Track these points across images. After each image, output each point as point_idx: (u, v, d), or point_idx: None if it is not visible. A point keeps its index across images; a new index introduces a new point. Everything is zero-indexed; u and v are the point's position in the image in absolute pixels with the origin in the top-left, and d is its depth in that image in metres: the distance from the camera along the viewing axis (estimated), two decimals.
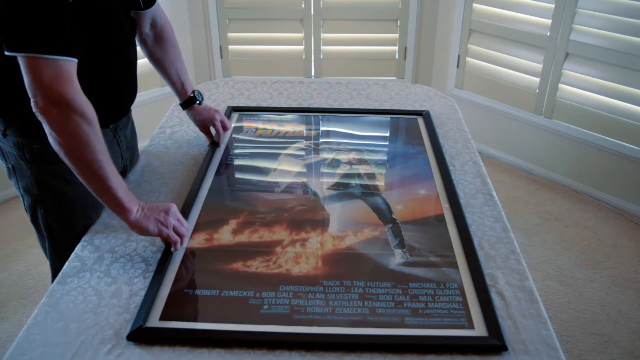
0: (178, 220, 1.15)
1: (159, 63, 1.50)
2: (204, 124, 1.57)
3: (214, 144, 1.55)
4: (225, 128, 1.59)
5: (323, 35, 3.12)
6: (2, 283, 2.16)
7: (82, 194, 1.14)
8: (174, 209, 1.16)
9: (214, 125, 1.56)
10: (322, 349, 0.92)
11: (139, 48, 1.42)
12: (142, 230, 1.11)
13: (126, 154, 1.41)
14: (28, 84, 0.99)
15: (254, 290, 1.04)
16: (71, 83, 1.01)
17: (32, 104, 1.00)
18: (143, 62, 3.27)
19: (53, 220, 1.25)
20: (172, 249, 1.12)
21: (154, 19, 1.42)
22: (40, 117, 1.01)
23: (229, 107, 1.79)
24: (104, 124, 1.14)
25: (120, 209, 1.10)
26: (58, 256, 1.26)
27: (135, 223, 1.11)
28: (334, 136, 1.64)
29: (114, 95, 1.29)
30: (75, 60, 1.03)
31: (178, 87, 1.53)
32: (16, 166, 1.23)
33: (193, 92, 1.55)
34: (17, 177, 1.25)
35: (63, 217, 1.25)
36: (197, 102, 1.55)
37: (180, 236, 1.14)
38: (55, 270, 1.27)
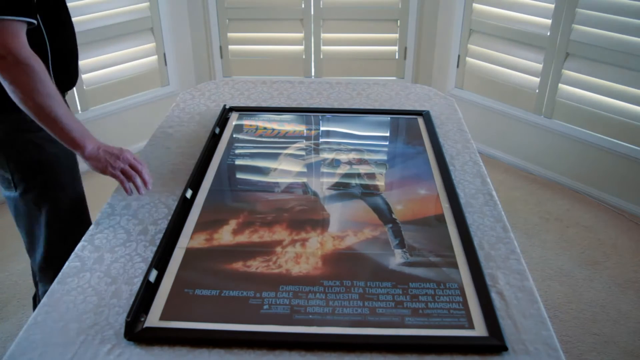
0: (131, 164, 1.25)
1: None
2: None
3: None
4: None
5: (323, 35, 3.12)
6: (2, 283, 2.16)
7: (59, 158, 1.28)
8: (127, 154, 1.26)
9: None
10: (322, 349, 0.92)
11: None
12: (94, 167, 1.24)
13: None
14: None
15: (254, 290, 1.04)
16: (18, 38, 1.12)
17: None
18: (143, 62, 3.26)
19: (45, 194, 1.34)
20: (129, 191, 1.26)
21: None
22: None
23: (229, 107, 1.79)
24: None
25: (75, 145, 1.22)
26: (56, 234, 1.35)
27: (89, 158, 1.22)
28: (334, 136, 1.64)
29: (64, 64, 1.38)
30: (26, 19, 1.13)
31: None
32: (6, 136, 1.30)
33: None
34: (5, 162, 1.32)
35: (56, 184, 1.36)
36: None
37: (141, 177, 1.27)
38: (50, 259, 1.29)
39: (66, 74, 1.39)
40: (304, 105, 1.84)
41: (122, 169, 1.24)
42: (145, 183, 1.28)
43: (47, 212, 1.39)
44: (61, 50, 1.35)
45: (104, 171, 1.24)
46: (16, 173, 1.34)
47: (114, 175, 1.24)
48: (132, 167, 1.26)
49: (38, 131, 1.25)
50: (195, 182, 1.38)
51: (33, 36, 1.18)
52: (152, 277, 1.05)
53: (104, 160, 1.23)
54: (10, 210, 1.44)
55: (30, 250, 1.47)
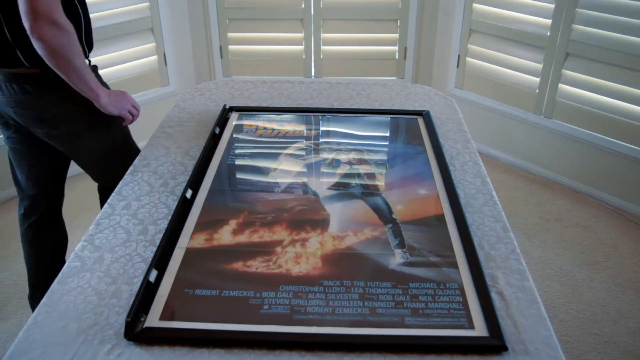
0: (133, 104, 1.62)
1: None
2: None
3: None
4: None
5: (323, 35, 3.12)
6: (2, 283, 2.16)
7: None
8: (128, 96, 1.61)
9: None
10: (322, 349, 0.92)
11: None
12: (109, 111, 1.54)
13: None
14: (25, 11, 1.27)
15: (254, 290, 1.04)
16: (59, 8, 1.32)
17: (28, 28, 1.29)
18: (143, 62, 3.26)
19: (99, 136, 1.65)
20: (124, 122, 1.63)
21: None
22: (35, 40, 1.31)
23: (228, 107, 1.79)
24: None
25: (95, 95, 1.48)
26: (117, 161, 1.64)
27: (105, 105, 1.52)
28: (334, 136, 1.65)
29: (88, 33, 1.59)
30: None
31: None
32: (60, 113, 1.56)
33: None
34: (63, 127, 1.58)
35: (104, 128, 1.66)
36: None
37: (134, 114, 1.63)
38: (113, 181, 1.47)
39: (88, 42, 1.59)
40: (304, 105, 1.84)
41: (128, 110, 1.61)
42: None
43: (110, 153, 1.70)
44: (87, 21, 1.56)
45: (119, 113, 1.57)
46: (87, 127, 1.61)
47: (124, 115, 1.60)
48: (133, 105, 1.63)
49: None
50: (195, 182, 1.38)
51: (66, 7, 1.38)
52: (152, 277, 1.05)
53: (120, 104, 1.56)
54: (78, 161, 1.71)
55: (99, 178, 1.78)
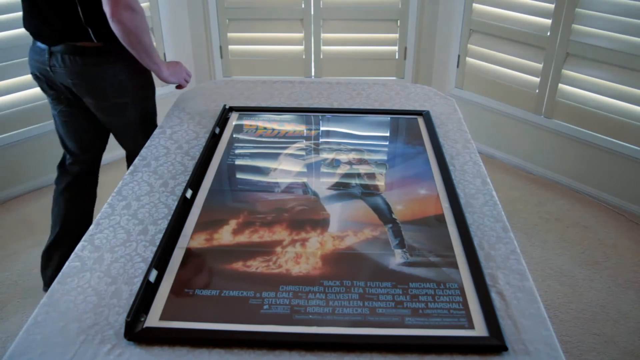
0: (186, 72, 1.89)
1: None
2: None
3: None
4: None
5: (323, 35, 3.12)
6: (2, 283, 2.16)
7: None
8: (182, 65, 1.88)
9: None
10: (322, 349, 0.92)
11: None
12: (170, 82, 1.82)
13: None
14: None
15: (254, 290, 1.04)
16: None
17: (109, 13, 1.51)
18: None
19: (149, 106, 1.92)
20: (182, 87, 1.91)
21: None
22: (115, 23, 1.53)
23: (228, 107, 1.79)
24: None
25: (158, 69, 1.73)
26: (145, 133, 1.78)
27: (166, 77, 1.77)
28: (334, 136, 1.65)
29: None
30: None
31: None
32: (114, 85, 1.75)
33: None
34: (113, 98, 1.77)
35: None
36: None
37: (187, 81, 1.90)
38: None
39: None
40: (304, 105, 1.84)
41: (184, 78, 1.88)
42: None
43: (144, 122, 1.90)
44: None
45: (177, 81, 1.85)
46: (132, 100, 1.81)
47: (181, 83, 1.88)
48: (186, 73, 1.89)
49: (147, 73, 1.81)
50: (195, 182, 1.38)
51: None
52: (152, 277, 1.05)
53: (178, 75, 1.84)
54: (118, 130, 1.91)
55: (131, 147, 1.93)
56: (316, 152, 1.55)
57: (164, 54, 3.08)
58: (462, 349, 0.92)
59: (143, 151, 1.56)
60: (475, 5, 2.89)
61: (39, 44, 1.71)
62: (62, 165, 1.99)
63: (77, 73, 1.70)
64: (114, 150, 3.01)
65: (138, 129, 1.88)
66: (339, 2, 3.09)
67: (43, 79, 1.78)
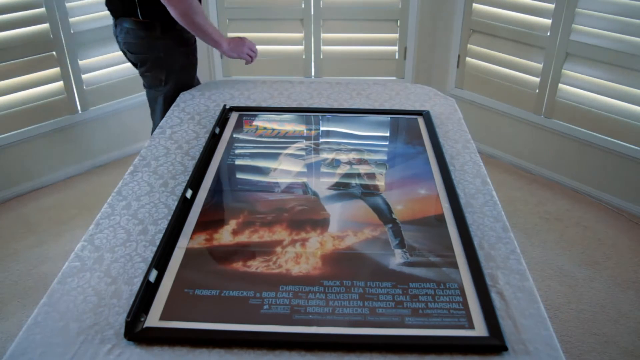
0: (250, 48, 2.01)
1: None
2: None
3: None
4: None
5: (323, 35, 3.12)
6: (2, 283, 2.16)
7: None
8: (246, 40, 2.01)
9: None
10: (322, 349, 0.92)
11: None
12: (230, 56, 1.98)
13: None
14: None
15: (254, 290, 1.04)
16: None
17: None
18: None
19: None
20: (248, 62, 2.04)
21: None
22: (169, 8, 1.76)
23: (229, 107, 1.79)
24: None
25: (217, 45, 1.92)
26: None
27: (227, 51, 1.95)
28: (334, 136, 1.65)
29: None
30: None
31: None
32: (155, 58, 1.94)
33: None
34: (153, 72, 1.97)
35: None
36: None
37: (252, 56, 2.03)
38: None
39: None
40: (304, 105, 1.84)
41: (247, 53, 2.00)
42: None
43: (175, 93, 2.00)
44: None
45: (238, 56, 1.99)
46: (169, 74, 1.97)
47: (244, 57, 2.01)
48: (250, 48, 2.01)
49: (186, 46, 1.98)
50: (195, 182, 1.38)
51: None
52: (152, 277, 1.06)
53: (239, 49, 1.97)
54: (150, 103, 2.08)
55: (158, 117, 2.05)
56: (316, 152, 1.55)
57: None
58: (462, 349, 0.92)
59: (143, 151, 1.56)
60: (475, 5, 2.89)
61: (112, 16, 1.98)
62: None
63: (126, 44, 1.95)
64: (114, 150, 3.03)
65: (169, 103, 1.96)
66: (339, 2, 3.08)
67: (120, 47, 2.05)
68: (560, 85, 2.68)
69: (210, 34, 1.86)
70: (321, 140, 1.62)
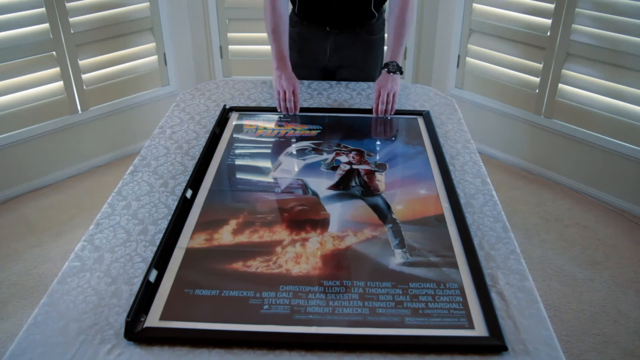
0: (293, 92, 1.74)
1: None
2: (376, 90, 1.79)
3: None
4: None
5: None
6: (2, 283, 2.16)
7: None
8: (286, 82, 1.75)
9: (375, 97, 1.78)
10: (322, 349, 0.92)
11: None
12: (273, 79, 1.82)
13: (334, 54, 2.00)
14: None
15: (254, 290, 1.04)
16: None
17: None
18: (143, 62, 3.25)
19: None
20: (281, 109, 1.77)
21: None
22: None
23: (229, 107, 1.79)
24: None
25: (274, 62, 1.81)
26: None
27: (274, 75, 1.79)
28: (334, 136, 1.64)
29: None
30: None
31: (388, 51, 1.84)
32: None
33: (387, 63, 1.79)
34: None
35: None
36: (385, 69, 1.78)
37: (294, 104, 1.74)
38: None
39: (300, 11, 1.96)
40: (304, 105, 1.84)
41: (279, 91, 1.75)
42: (294, 109, 1.75)
43: None
44: None
45: (275, 85, 1.79)
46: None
47: (276, 91, 1.77)
48: (292, 93, 1.74)
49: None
50: (195, 182, 1.38)
51: None
52: (152, 277, 1.06)
53: (275, 81, 1.79)
54: None
55: None
56: (316, 152, 1.55)
57: (164, 54, 3.08)
58: (462, 349, 0.92)
59: (143, 151, 1.56)
60: (475, 5, 2.89)
61: None
62: None
63: None
64: (114, 150, 3.03)
65: None
66: None
67: None
68: (560, 85, 2.69)
69: (271, 49, 1.83)
70: (321, 140, 1.62)
